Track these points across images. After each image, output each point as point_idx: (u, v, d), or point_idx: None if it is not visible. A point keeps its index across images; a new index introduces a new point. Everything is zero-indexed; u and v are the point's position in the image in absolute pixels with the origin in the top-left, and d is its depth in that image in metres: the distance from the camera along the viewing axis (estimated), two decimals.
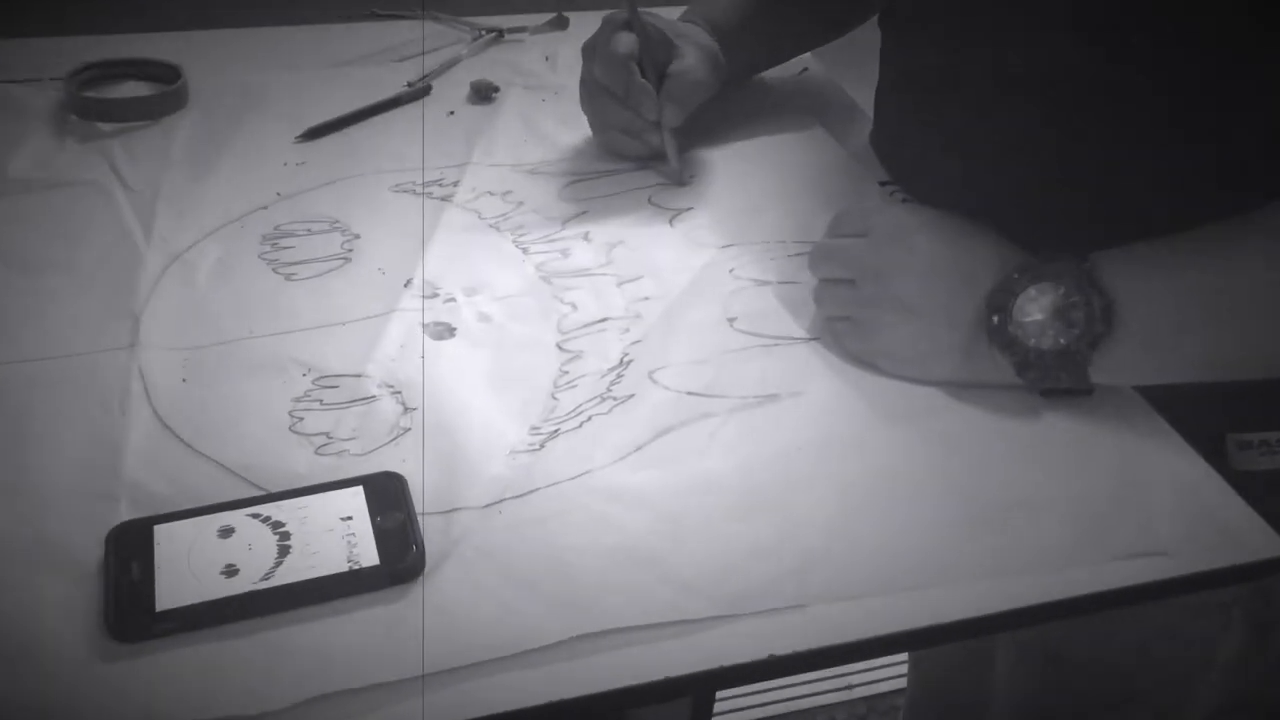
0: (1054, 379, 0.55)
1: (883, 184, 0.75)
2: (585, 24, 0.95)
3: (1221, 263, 0.53)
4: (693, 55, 0.74)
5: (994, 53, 0.63)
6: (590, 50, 0.75)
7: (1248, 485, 0.64)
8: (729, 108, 0.82)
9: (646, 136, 0.74)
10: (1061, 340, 0.54)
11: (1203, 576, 0.50)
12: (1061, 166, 0.62)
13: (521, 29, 0.93)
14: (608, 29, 0.73)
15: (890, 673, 1.50)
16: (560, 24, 0.94)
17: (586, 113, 0.77)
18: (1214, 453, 0.63)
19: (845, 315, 0.60)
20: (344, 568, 0.46)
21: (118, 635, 0.43)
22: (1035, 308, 0.54)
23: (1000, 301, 0.55)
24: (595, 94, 0.75)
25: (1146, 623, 0.73)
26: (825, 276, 0.62)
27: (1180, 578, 0.49)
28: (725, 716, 1.45)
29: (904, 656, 1.29)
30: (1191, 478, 0.54)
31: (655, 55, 0.73)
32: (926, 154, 0.71)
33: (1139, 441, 0.56)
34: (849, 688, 1.53)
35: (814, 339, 0.61)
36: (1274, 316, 0.52)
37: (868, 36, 0.77)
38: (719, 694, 1.47)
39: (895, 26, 0.73)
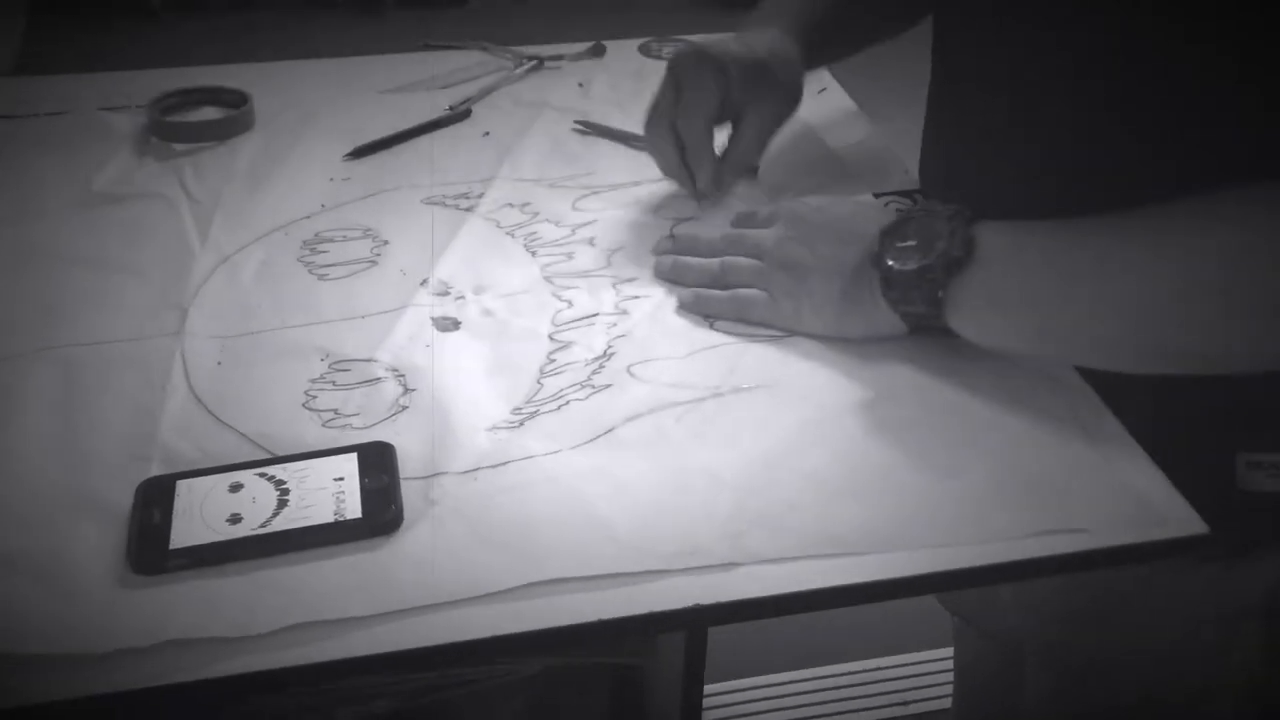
0: (910, 301, 0.61)
1: (877, 195, 0.79)
2: (621, 51, 1.02)
3: (1094, 248, 0.56)
4: (767, 103, 0.76)
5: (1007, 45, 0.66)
6: (678, 79, 0.75)
7: (1254, 505, 0.67)
8: None
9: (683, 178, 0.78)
10: (923, 260, 0.60)
11: (1122, 550, 0.53)
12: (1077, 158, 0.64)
13: (559, 57, 1.00)
14: (699, 69, 0.74)
15: (941, 691, 1.51)
16: (598, 51, 1.01)
17: (649, 122, 0.77)
18: (1222, 469, 0.66)
19: (750, 286, 0.68)
20: (330, 519, 0.53)
21: (137, 568, 0.51)
22: (912, 234, 0.61)
23: (889, 237, 0.62)
24: (660, 126, 0.76)
25: (1162, 633, 0.76)
26: (731, 256, 0.70)
27: (1098, 550, 0.53)
28: None
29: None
30: (1122, 461, 0.57)
31: (734, 100, 0.75)
32: (967, 158, 0.74)
33: (1079, 427, 0.59)
34: (904, 704, 1.55)
35: (784, 336, 0.66)
36: (1125, 310, 0.56)
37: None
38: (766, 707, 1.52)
39: (942, 23, 0.75)
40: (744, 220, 0.74)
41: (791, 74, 0.77)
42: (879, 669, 1.57)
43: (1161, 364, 0.57)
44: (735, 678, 1.53)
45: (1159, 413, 0.65)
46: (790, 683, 1.55)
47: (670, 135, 0.76)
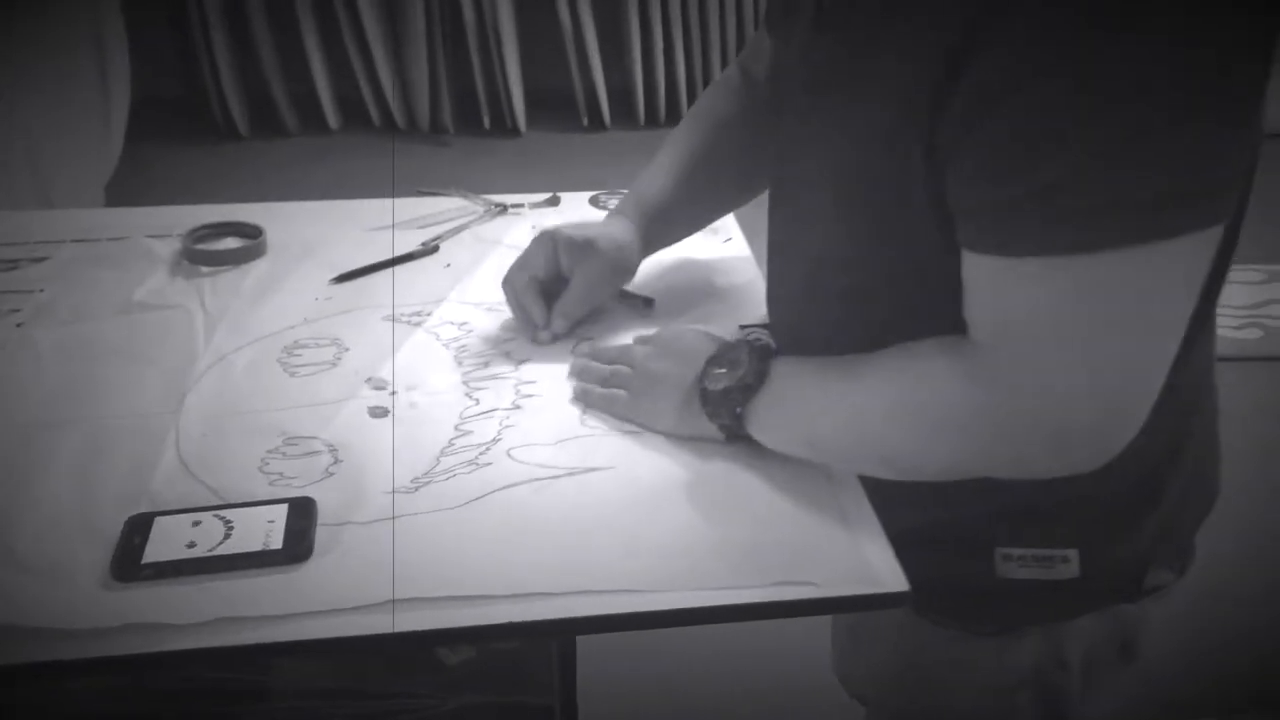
0: (719, 415, 0.80)
1: (742, 326, 0.99)
2: (574, 203, 1.24)
3: (841, 382, 0.75)
4: (590, 270, 0.96)
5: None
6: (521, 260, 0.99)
7: (1012, 591, 0.83)
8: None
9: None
10: (728, 384, 0.79)
11: (838, 600, 0.70)
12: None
13: (520, 205, 1.23)
14: (537, 242, 0.97)
15: None
16: (553, 202, 1.23)
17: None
18: (985, 561, 0.83)
19: (622, 388, 0.88)
20: (259, 549, 0.73)
21: (116, 576, 0.71)
22: (724, 362, 0.81)
23: (710, 364, 0.82)
24: (504, 282, 1.00)
25: (959, 698, 0.92)
26: (611, 363, 0.90)
27: (821, 599, 0.70)
28: None
29: None
30: (862, 536, 0.75)
31: (563, 267, 0.97)
32: (783, 287, 0.92)
33: (838, 510, 0.77)
34: None
35: (638, 432, 0.85)
36: (852, 428, 0.74)
37: None
38: None
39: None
40: (642, 339, 0.94)
41: (620, 253, 0.98)
42: None
43: (885, 470, 0.75)
44: None
45: (935, 513, 0.82)
46: None
47: (510, 289, 0.98)
